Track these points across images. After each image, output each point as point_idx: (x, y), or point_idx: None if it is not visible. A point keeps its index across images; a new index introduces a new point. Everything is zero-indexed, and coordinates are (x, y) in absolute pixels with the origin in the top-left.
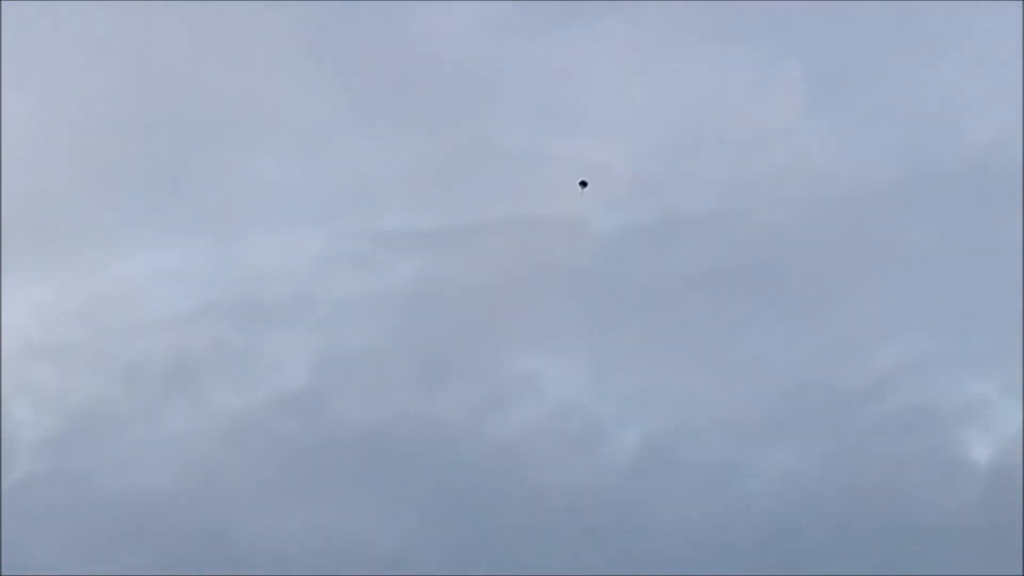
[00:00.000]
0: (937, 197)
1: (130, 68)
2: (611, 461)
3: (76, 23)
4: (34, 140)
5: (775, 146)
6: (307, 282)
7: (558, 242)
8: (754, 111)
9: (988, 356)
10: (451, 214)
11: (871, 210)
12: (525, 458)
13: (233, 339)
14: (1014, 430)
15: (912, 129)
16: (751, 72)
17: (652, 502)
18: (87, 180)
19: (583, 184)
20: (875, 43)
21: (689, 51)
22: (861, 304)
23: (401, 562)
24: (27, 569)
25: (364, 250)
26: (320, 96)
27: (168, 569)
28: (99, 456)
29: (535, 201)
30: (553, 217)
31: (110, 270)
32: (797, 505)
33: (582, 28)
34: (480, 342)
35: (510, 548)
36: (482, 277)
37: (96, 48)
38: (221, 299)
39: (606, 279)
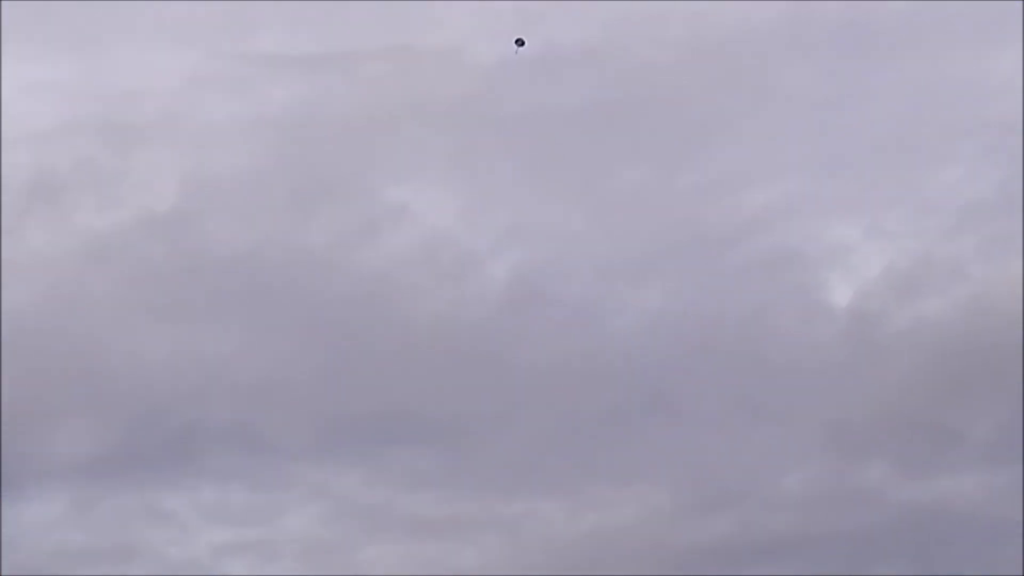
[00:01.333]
0: (815, 41)
1: None
2: (480, 294)
3: None
4: None
5: None
6: (178, 102)
7: (436, 72)
8: None
9: (854, 201)
10: (329, 39)
11: (748, 52)
12: (394, 288)
13: (99, 157)
14: (875, 274)
15: None
16: None
17: (519, 336)
18: None
19: (519, 43)
20: None
21: None
22: (733, 146)
23: (265, 388)
24: None
25: (238, 71)
26: None
27: (28, 390)
28: None
29: (415, 30)
30: (432, 47)
31: None
32: (663, 343)
33: None
34: (353, 171)
35: (375, 377)
36: (358, 105)
37: None
38: (87, 116)
39: (483, 111)
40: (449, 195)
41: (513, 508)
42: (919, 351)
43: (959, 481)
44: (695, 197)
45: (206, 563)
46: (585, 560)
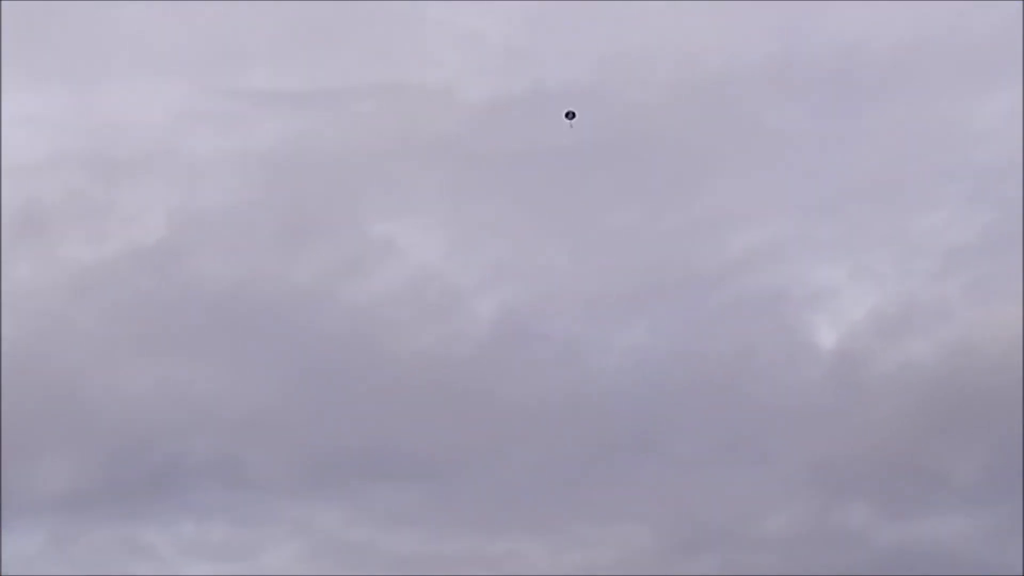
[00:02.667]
0: (803, 83)
1: None
2: (466, 331)
3: None
4: None
5: (648, 23)
6: (168, 135)
7: (426, 109)
8: None
9: (840, 243)
10: (320, 76)
11: (738, 93)
12: (380, 324)
13: (88, 190)
14: (860, 315)
15: (784, 13)
16: None
17: (504, 374)
18: None
19: (571, 115)
20: None
21: None
22: (721, 186)
23: (249, 423)
24: None
25: (229, 106)
26: None
27: (14, 421)
28: None
29: (406, 67)
30: (423, 84)
31: None
32: (648, 382)
33: None
34: (342, 206)
35: (359, 413)
36: (347, 141)
37: None
38: (77, 148)
39: (472, 148)
40: (436, 232)
41: (496, 546)
42: (903, 393)
43: (942, 523)
44: (682, 237)
45: None
46: None
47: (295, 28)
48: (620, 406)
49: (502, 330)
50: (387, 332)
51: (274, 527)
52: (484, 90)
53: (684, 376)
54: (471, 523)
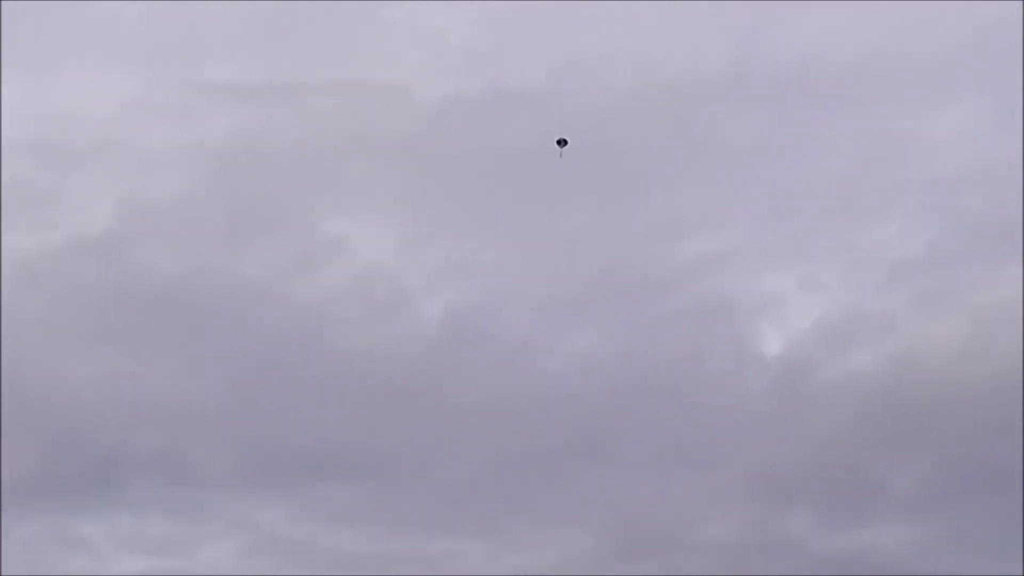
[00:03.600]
0: (758, 93)
1: None
2: (415, 330)
3: None
4: None
5: (607, 29)
6: (120, 126)
7: (382, 108)
8: None
9: (789, 253)
10: (276, 70)
11: (694, 101)
12: (328, 321)
13: (37, 178)
14: (807, 325)
15: (742, 22)
16: None
17: (451, 374)
18: None
19: (562, 143)
20: None
21: None
22: (674, 193)
23: (192, 418)
24: None
25: (182, 98)
26: None
27: None
28: None
29: (363, 65)
30: (380, 82)
31: None
32: (594, 386)
33: None
34: (293, 202)
35: (304, 410)
36: (301, 137)
37: None
38: (28, 136)
39: (427, 148)
40: (388, 230)
41: (437, 546)
42: (847, 403)
43: (880, 532)
44: (633, 242)
45: None
46: None
47: (253, 21)
48: (566, 409)
49: (451, 330)
50: (335, 329)
51: (214, 523)
52: (441, 90)
53: (630, 380)
54: (413, 523)
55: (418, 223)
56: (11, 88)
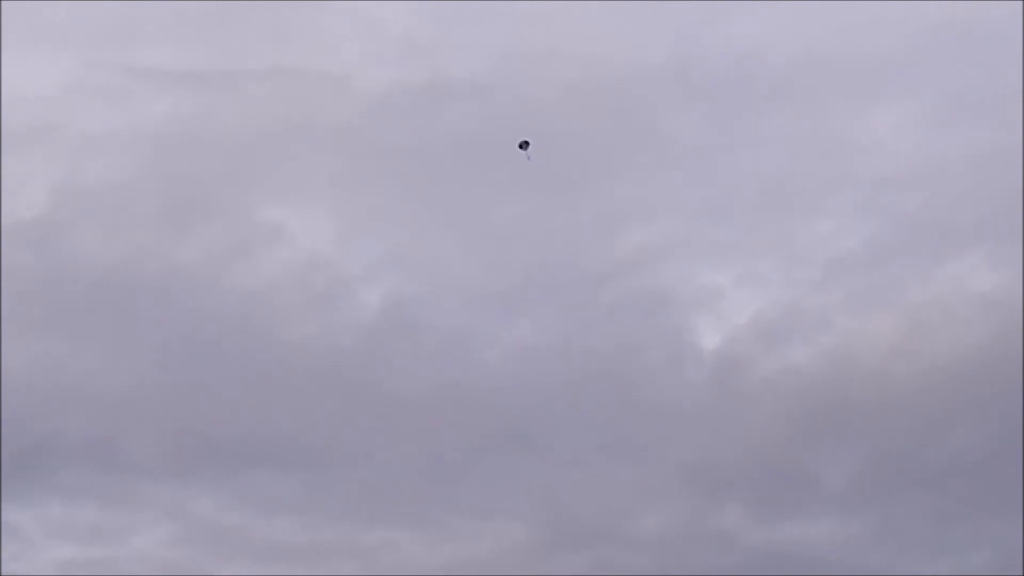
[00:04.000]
0: (699, 88)
1: None
2: (352, 320)
3: None
4: None
5: (549, 22)
6: (53, 109)
7: (322, 96)
8: None
9: (728, 248)
10: (216, 56)
11: (635, 95)
12: (265, 309)
13: None
14: (744, 320)
15: (683, 19)
16: None
17: (388, 364)
18: None
19: (524, 145)
20: None
21: None
22: (613, 186)
23: (124, 404)
24: None
25: (119, 82)
26: None
27: None
28: None
29: (304, 52)
30: (320, 70)
31: None
32: (531, 377)
33: None
34: (231, 189)
35: (239, 398)
36: (240, 123)
37: None
38: None
39: (367, 137)
40: (326, 219)
41: (371, 537)
42: (781, 398)
43: (812, 527)
44: (571, 234)
45: None
46: None
47: (192, 6)
48: (502, 400)
49: (388, 320)
50: (272, 317)
51: (145, 510)
52: (382, 79)
53: (567, 372)
54: (347, 513)
55: (357, 212)
56: None
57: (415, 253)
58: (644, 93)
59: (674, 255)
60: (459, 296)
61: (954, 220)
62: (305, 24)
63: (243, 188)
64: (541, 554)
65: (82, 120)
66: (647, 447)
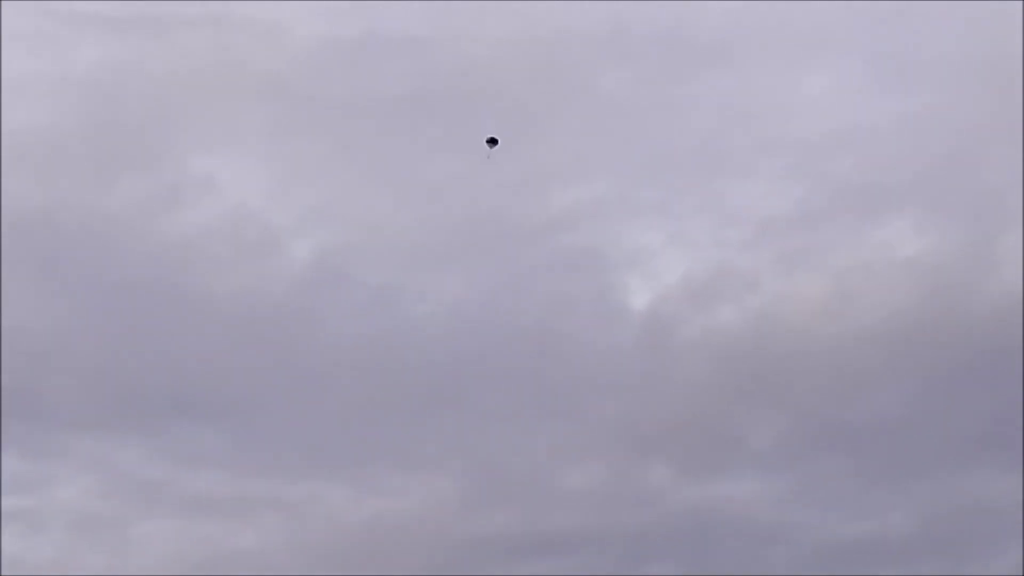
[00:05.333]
0: (634, 50)
1: None
2: (281, 272)
3: None
4: None
5: None
6: None
7: (255, 45)
8: None
9: (659, 208)
10: (145, 2)
11: (569, 55)
12: (194, 260)
13: None
14: (673, 280)
15: None
16: None
17: (317, 317)
18: None
19: (492, 142)
20: None
21: None
22: (547, 144)
23: (47, 354)
24: None
25: (46, 26)
26: None
27: None
28: None
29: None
30: (253, 18)
31: None
32: (460, 333)
33: None
34: (161, 137)
35: (165, 349)
36: (171, 70)
37: None
38: None
39: (299, 88)
40: (258, 170)
41: (297, 490)
42: (708, 358)
43: (736, 485)
44: (503, 191)
45: None
46: (365, 545)
47: None
48: (431, 355)
49: (318, 273)
50: (200, 268)
51: (68, 461)
52: (316, 30)
53: (497, 328)
54: (273, 465)
55: (288, 164)
56: None
57: (346, 206)
58: (580, 52)
59: (606, 214)
60: (389, 250)
61: (882, 184)
62: None
63: (173, 137)
64: (468, 509)
65: (9, 66)
66: (575, 404)
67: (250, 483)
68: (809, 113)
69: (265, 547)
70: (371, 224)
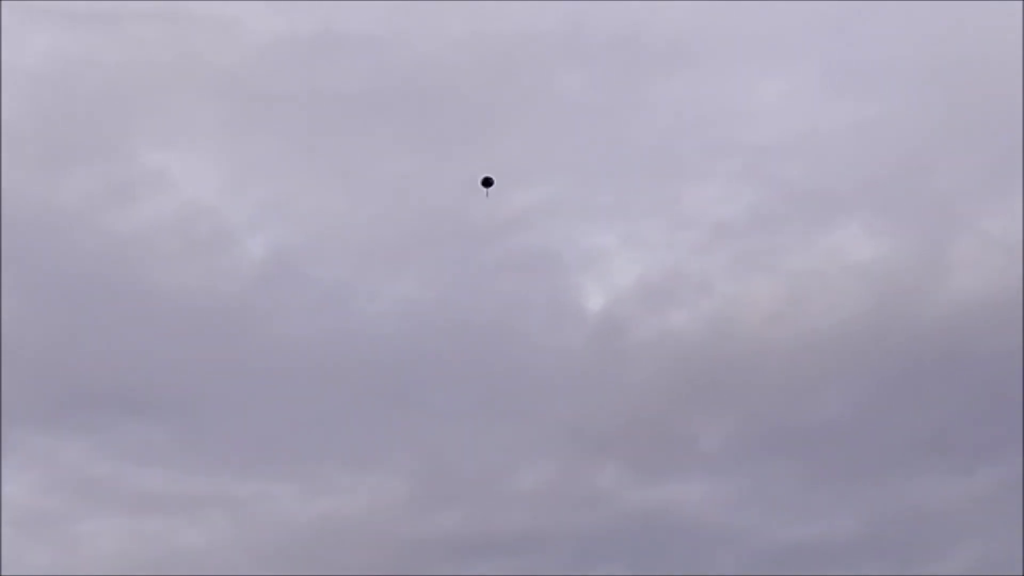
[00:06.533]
0: (590, 51)
1: None
2: (234, 268)
3: None
4: None
5: None
6: None
7: (209, 40)
8: None
9: (614, 209)
10: None
11: (525, 55)
12: (144, 256)
13: None
14: (628, 282)
15: None
16: None
17: (269, 315)
18: None
19: (487, 182)
20: None
21: None
22: (502, 144)
23: None
24: None
25: None
26: None
27: None
28: None
29: None
30: (208, 14)
31: None
32: (413, 333)
33: None
34: (112, 131)
35: (113, 345)
36: (123, 64)
37: None
38: None
39: (254, 85)
40: (211, 166)
41: (245, 488)
42: (661, 360)
43: (686, 488)
44: (458, 190)
45: None
46: (314, 544)
47: None
48: (383, 354)
49: (270, 270)
50: (151, 264)
51: (12, 457)
52: (272, 26)
53: (450, 329)
54: (221, 464)
55: (242, 160)
56: None
57: (300, 204)
58: (535, 52)
59: (560, 215)
60: (343, 248)
61: (835, 190)
62: None
63: (125, 131)
64: (417, 509)
65: None
66: (527, 405)
67: (197, 481)
68: (764, 117)
69: (212, 545)
70: (325, 222)
